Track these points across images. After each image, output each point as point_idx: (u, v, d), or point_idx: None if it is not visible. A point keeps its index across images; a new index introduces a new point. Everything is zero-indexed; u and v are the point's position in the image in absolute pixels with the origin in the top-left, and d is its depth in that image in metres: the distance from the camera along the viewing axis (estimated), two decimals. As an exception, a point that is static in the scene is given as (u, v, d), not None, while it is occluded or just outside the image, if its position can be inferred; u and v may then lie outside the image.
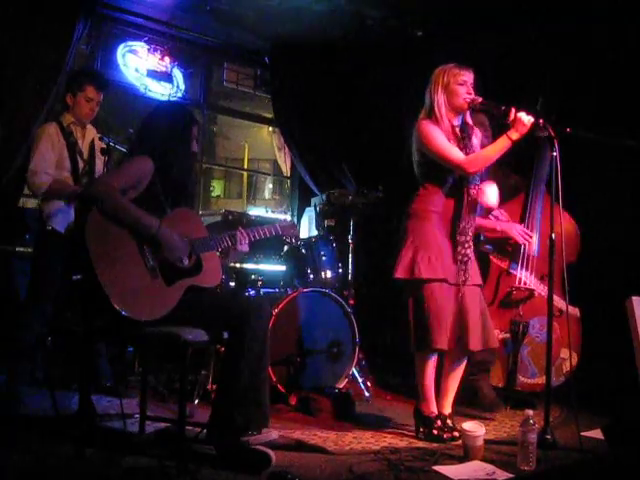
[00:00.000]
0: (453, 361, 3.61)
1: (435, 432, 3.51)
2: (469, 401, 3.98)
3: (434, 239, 3.52)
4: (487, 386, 4.18)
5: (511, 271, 4.39)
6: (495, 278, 4.41)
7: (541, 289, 4.29)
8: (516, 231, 4.28)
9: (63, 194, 4.03)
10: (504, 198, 4.51)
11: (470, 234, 3.55)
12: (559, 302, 4.16)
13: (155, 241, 2.96)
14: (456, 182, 3.55)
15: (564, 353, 4.24)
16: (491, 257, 4.44)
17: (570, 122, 3.56)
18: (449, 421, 3.56)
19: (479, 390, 4.12)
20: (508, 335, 4.29)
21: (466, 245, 3.52)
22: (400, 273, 3.52)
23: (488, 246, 4.45)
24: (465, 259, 3.51)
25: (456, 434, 3.47)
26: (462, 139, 3.57)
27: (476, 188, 3.57)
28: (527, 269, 4.35)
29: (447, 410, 3.61)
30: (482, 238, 4.42)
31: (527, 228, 4.36)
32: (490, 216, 4.40)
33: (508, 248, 4.42)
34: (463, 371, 3.66)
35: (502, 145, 3.42)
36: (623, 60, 4.57)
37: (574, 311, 4.36)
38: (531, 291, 4.33)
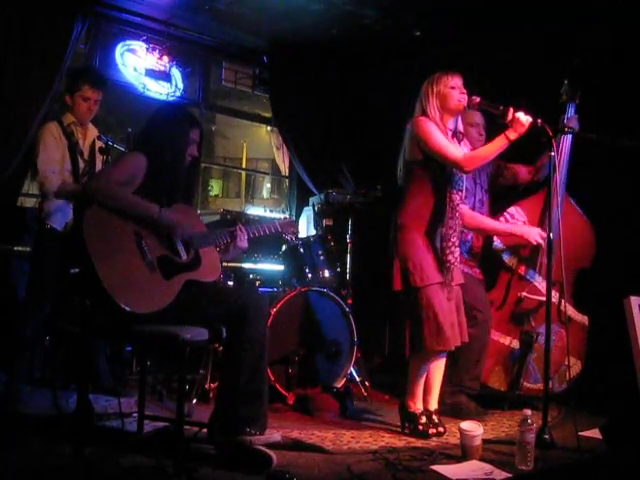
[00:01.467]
0: (436, 358, 3.63)
1: (420, 428, 3.56)
2: (456, 417, 3.93)
3: (422, 246, 3.55)
4: (465, 399, 4.08)
5: (528, 278, 4.25)
6: (505, 282, 4.29)
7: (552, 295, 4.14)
8: (533, 235, 3.99)
9: (69, 193, 4.03)
10: (499, 193, 4.41)
11: (453, 239, 3.55)
12: (568, 309, 4.12)
13: (158, 225, 2.98)
14: (440, 186, 3.56)
15: (569, 361, 4.14)
16: (504, 261, 4.28)
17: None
18: (435, 417, 3.61)
19: (460, 405, 4.03)
20: (517, 343, 4.21)
21: (447, 251, 3.54)
22: (398, 285, 3.57)
23: (505, 255, 4.27)
24: (448, 265, 3.54)
25: (441, 429, 3.56)
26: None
27: (459, 194, 3.58)
28: (540, 275, 4.22)
29: (433, 406, 3.67)
30: (495, 244, 4.26)
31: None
32: (505, 214, 4.25)
33: (525, 253, 4.24)
34: (445, 368, 3.70)
35: (499, 144, 3.44)
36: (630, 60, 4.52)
37: (582, 319, 4.30)
38: (541, 302, 4.13)
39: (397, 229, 3.63)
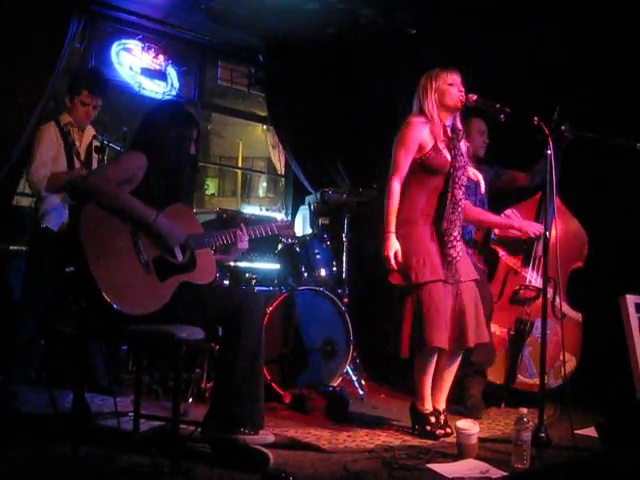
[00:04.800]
0: (449, 358, 3.62)
1: (428, 428, 3.54)
2: (454, 398, 3.94)
3: (424, 242, 3.55)
4: (476, 388, 4.12)
5: (524, 274, 4.33)
6: (503, 275, 4.39)
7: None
8: (533, 228, 4.21)
9: (60, 184, 4.01)
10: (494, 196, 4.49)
11: (454, 234, 3.56)
12: (563, 306, 4.15)
13: (152, 230, 2.96)
14: (442, 182, 3.57)
15: (565, 356, 4.17)
16: (501, 256, 4.41)
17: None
18: (442, 417, 3.59)
19: (466, 390, 4.09)
20: (513, 333, 4.26)
21: (449, 245, 3.54)
22: (396, 279, 3.56)
23: (502, 251, 4.40)
24: (450, 259, 3.54)
25: (449, 430, 3.52)
26: (451, 140, 3.60)
27: (462, 188, 3.59)
28: (535, 270, 4.30)
29: (441, 406, 3.64)
30: (493, 236, 4.41)
31: None
32: (503, 214, 4.39)
33: (521, 249, 4.36)
34: (458, 368, 3.68)
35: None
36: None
37: (576, 316, 4.36)
38: (539, 291, 4.19)
39: (401, 223, 3.59)
